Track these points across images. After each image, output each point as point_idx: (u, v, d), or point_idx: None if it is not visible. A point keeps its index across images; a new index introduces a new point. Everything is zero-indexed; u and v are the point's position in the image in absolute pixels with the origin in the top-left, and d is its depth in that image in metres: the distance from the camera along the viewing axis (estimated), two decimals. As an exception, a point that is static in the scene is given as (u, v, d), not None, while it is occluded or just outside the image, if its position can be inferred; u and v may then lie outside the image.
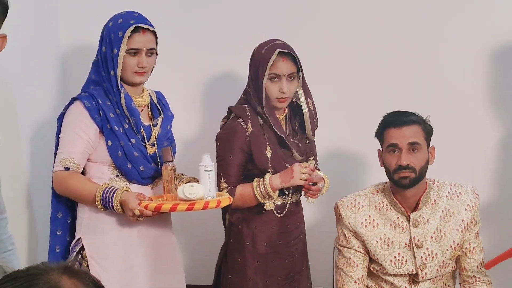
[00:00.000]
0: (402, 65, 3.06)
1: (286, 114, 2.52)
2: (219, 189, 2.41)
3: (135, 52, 2.28)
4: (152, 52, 2.32)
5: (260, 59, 2.41)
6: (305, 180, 2.38)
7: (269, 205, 2.45)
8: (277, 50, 2.39)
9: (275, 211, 2.48)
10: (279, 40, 2.46)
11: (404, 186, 2.23)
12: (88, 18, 3.05)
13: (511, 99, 3.01)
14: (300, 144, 2.52)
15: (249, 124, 2.42)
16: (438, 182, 2.34)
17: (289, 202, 2.52)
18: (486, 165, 3.03)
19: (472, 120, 3.03)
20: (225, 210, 2.55)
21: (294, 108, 2.54)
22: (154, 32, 2.32)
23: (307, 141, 2.56)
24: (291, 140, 2.50)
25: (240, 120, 2.43)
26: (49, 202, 2.40)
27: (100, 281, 0.93)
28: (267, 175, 2.41)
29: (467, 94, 3.03)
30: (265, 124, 2.45)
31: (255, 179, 2.42)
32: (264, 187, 2.40)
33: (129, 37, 2.25)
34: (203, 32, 3.15)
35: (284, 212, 2.50)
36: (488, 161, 3.03)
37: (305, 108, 2.49)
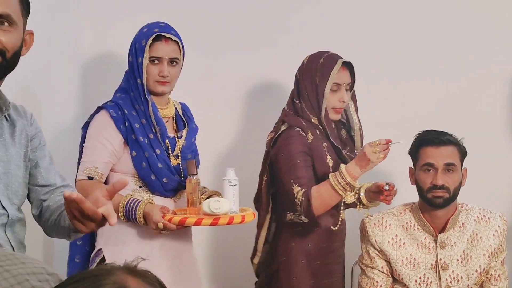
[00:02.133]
0: (433, 86, 3.05)
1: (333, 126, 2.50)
2: (293, 195, 2.32)
3: (157, 60, 2.27)
4: (175, 61, 2.30)
5: (319, 68, 2.40)
6: (382, 157, 2.26)
7: (350, 198, 2.36)
8: (340, 60, 2.40)
9: (332, 226, 2.41)
10: (330, 51, 2.46)
11: (438, 205, 2.21)
12: (112, 27, 3.05)
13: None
14: (352, 155, 2.49)
15: (309, 133, 2.38)
16: (467, 205, 2.32)
17: (341, 218, 2.46)
18: (508, 190, 3.01)
19: (499, 144, 3.01)
20: (260, 229, 2.49)
21: (338, 121, 2.51)
22: (178, 42, 2.31)
23: (356, 152, 2.54)
24: (345, 152, 2.47)
25: (298, 129, 2.39)
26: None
27: None
28: (342, 166, 2.32)
29: (495, 118, 3.02)
30: (322, 135, 2.42)
31: (330, 175, 2.33)
32: (343, 178, 2.30)
33: (151, 45, 2.25)
34: (236, 45, 3.13)
35: (337, 227, 2.45)
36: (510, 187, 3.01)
37: (356, 120, 2.48)
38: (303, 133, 2.37)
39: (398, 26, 3.07)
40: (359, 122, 2.49)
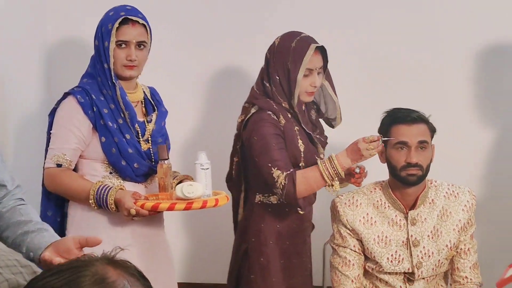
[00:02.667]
0: (398, 65, 3.07)
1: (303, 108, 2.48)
2: (273, 179, 2.30)
3: (124, 44, 2.24)
4: (143, 45, 2.27)
5: (292, 53, 2.36)
6: (375, 153, 2.27)
7: (337, 187, 2.34)
8: (313, 45, 2.36)
9: (300, 209, 2.39)
10: (302, 32, 2.42)
11: (411, 183, 2.23)
12: (76, 13, 3.00)
13: (503, 99, 3.06)
14: (322, 139, 2.49)
15: (281, 117, 2.36)
16: (436, 182, 2.35)
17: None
18: (478, 166, 3.06)
19: (465, 121, 3.06)
20: (236, 208, 2.50)
21: (309, 102, 2.49)
22: (145, 26, 2.28)
23: (324, 134, 2.53)
24: (315, 135, 2.46)
25: (270, 112, 2.36)
26: (34, 200, 2.33)
27: None
28: (333, 155, 2.31)
29: (461, 94, 3.06)
30: (293, 118, 2.40)
31: (319, 161, 2.33)
32: (334, 167, 2.29)
33: (118, 29, 2.22)
34: (202, 28, 3.11)
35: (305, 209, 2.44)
36: (480, 162, 3.06)
37: (334, 97, 2.47)
38: (275, 117, 2.35)
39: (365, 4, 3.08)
40: (337, 99, 2.48)
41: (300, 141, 2.39)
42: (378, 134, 2.27)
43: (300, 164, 2.37)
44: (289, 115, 2.39)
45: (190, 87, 3.12)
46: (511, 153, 3.07)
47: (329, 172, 2.30)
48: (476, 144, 3.05)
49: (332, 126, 2.54)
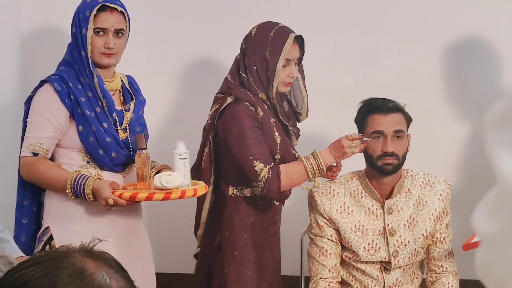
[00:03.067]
0: (373, 57, 3.09)
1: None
2: (255, 172, 2.28)
3: (102, 32, 2.21)
4: (121, 32, 2.25)
5: (270, 43, 2.33)
6: (357, 151, 2.28)
7: (318, 183, 2.34)
8: (292, 35, 2.34)
9: (275, 201, 2.39)
10: (280, 23, 2.40)
11: (388, 172, 2.25)
12: (51, 0, 2.94)
13: (475, 93, 3.09)
14: (295, 130, 2.48)
15: (259, 109, 2.33)
16: (412, 171, 2.37)
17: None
18: (454, 155, 3.10)
19: (441, 111, 3.09)
20: (201, 201, 2.45)
21: (280, 94, 2.47)
22: (124, 13, 2.26)
23: (296, 126, 2.53)
24: (290, 126, 2.45)
25: (247, 103, 2.33)
26: (10, 189, 2.30)
27: None
28: (316, 151, 2.32)
29: (437, 84, 3.09)
30: (270, 110, 2.38)
31: (302, 157, 2.33)
32: (318, 163, 2.29)
33: (95, 16, 2.20)
34: (180, 16, 3.08)
35: (278, 202, 2.44)
36: (456, 152, 3.10)
37: (304, 92, 2.46)
38: (253, 108, 2.33)
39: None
40: (307, 94, 2.48)
41: (276, 133, 2.37)
42: (359, 134, 2.28)
43: (276, 157, 2.36)
44: (266, 107, 2.37)
45: (168, 76, 3.10)
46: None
47: (313, 168, 2.30)
48: (452, 134, 3.09)
49: (298, 121, 2.53)
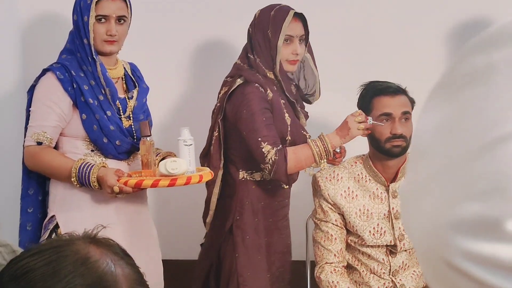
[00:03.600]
0: (377, 41, 3.07)
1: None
2: (262, 154, 2.27)
3: (104, 19, 2.21)
4: (123, 19, 2.24)
5: (271, 21, 2.34)
6: (363, 129, 2.26)
7: (323, 165, 2.32)
8: (292, 11, 2.34)
9: (284, 185, 2.39)
10: (281, 3, 2.41)
11: (396, 154, 2.24)
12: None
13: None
14: (304, 111, 2.48)
15: (268, 90, 2.32)
16: (416, 154, 2.36)
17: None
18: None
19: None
20: (211, 187, 2.44)
21: (287, 74, 2.46)
22: (125, 0, 2.25)
23: (304, 109, 2.52)
24: (298, 106, 2.44)
25: (257, 85, 2.32)
26: (15, 179, 2.31)
27: None
28: (323, 133, 2.31)
29: (440, 67, 3.06)
30: (279, 91, 2.37)
31: (309, 140, 2.33)
32: (325, 145, 2.28)
33: (97, 3, 2.19)
34: (185, 1, 3.06)
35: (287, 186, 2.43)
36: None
37: (316, 72, 2.45)
38: (262, 90, 2.32)
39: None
40: (318, 74, 2.46)
41: (286, 115, 2.37)
42: (366, 116, 2.25)
43: (286, 138, 2.36)
44: (275, 88, 2.36)
45: (172, 62, 3.08)
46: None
47: (319, 151, 2.29)
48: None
49: (310, 102, 2.52)
